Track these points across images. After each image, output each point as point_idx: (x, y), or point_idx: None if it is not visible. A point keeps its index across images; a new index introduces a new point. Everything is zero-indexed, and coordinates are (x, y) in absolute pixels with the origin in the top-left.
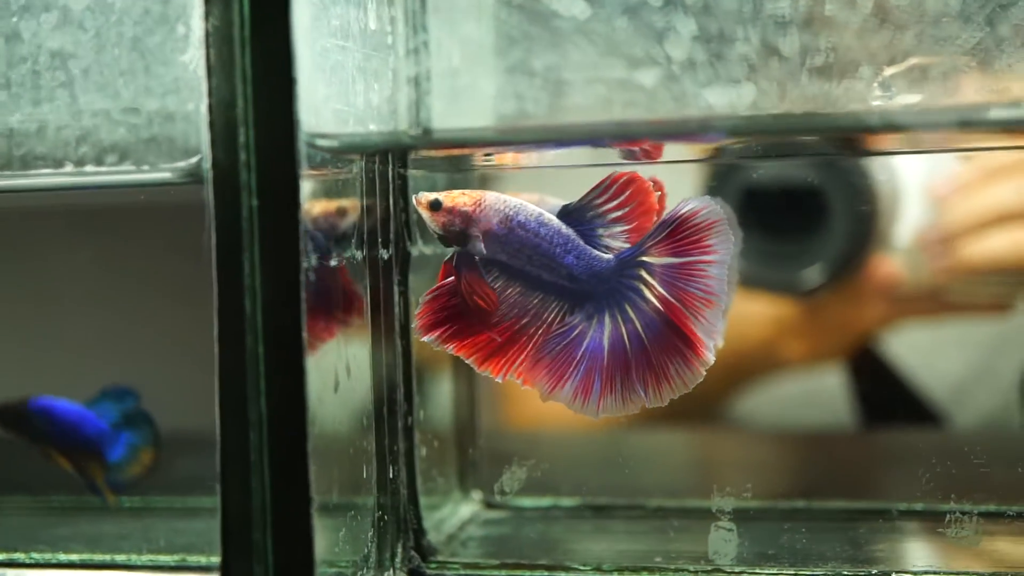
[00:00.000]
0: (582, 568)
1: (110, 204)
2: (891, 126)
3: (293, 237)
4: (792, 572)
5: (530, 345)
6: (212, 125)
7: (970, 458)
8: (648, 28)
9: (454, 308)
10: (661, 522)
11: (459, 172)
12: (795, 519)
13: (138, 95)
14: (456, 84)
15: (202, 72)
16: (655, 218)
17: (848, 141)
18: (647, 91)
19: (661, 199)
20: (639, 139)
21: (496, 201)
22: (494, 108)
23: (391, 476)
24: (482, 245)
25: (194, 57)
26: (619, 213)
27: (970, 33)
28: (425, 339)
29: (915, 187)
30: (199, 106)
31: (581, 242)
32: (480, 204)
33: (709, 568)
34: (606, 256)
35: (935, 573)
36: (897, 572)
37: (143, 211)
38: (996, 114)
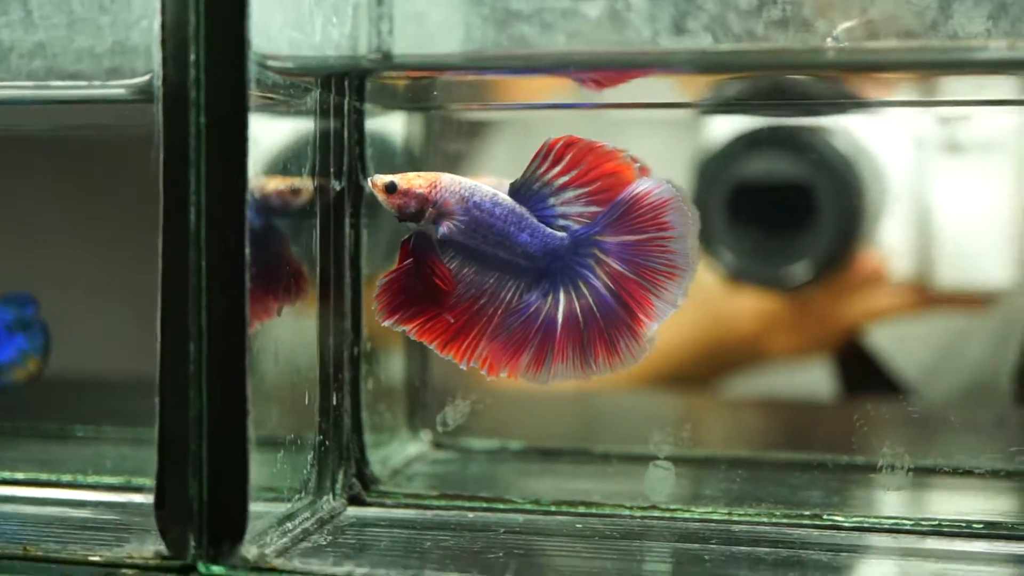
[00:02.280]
0: (519, 501)
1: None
2: (846, 64)
3: (240, 155)
4: (726, 511)
5: (490, 326)
6: (164, 43)
7: (922, 423)
8: None
9: (412, 290)
10: (606, 466)
11: (416, 109)
12: (737, 467)
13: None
14: (418, 17)
15: None
16: (623, 176)
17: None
18: (602, 25)
19: (642, 171)
20: (598, 69)
21: (451, 183)
22: (456, 40)
23: (335, 404)
24: (439, 226)
25: None
26: (565, 179)
27: None
28: (385, 323)
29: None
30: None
31: (535, 220)
32: (435, 186)
33: (646, 505)
34: (560, 234)
35: (866, 517)
36: (828, 514)
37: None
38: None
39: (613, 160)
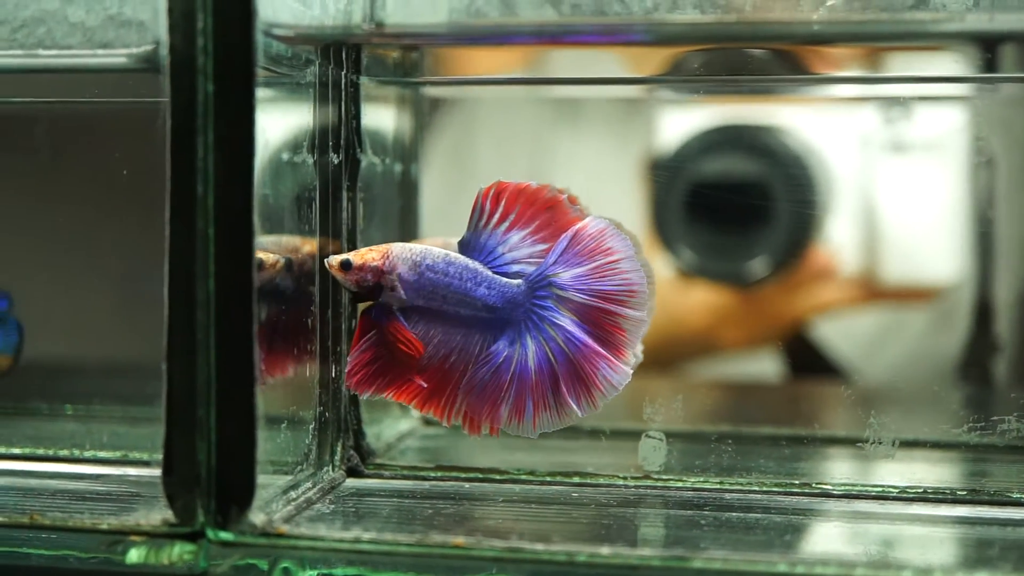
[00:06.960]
0: (515, 472)
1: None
2: (819, 36)
3: (248, 122)
4: (718, 482)
5: (464, 381)
6: (171, 11)
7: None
8: None
9: (383, 359)
10: (597, 441)
11: (410, 86)
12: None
13: None
14: None
15: None
16: (558, 210)
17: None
18: None
19: (571, 199)
20: (584, 38)
21: (403, 251)
22: (446, 10)
23: (333, 376)
24: (398, 294)
25: None
26: (506, 224)
27: None
28: (361, 396)
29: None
30: None
31: (489, 272)
32: (388, 256)
33: (639, 475)
34: (515, 281)
35: (852, 485)
36: (817, 483)
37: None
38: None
39: (542, 196)
